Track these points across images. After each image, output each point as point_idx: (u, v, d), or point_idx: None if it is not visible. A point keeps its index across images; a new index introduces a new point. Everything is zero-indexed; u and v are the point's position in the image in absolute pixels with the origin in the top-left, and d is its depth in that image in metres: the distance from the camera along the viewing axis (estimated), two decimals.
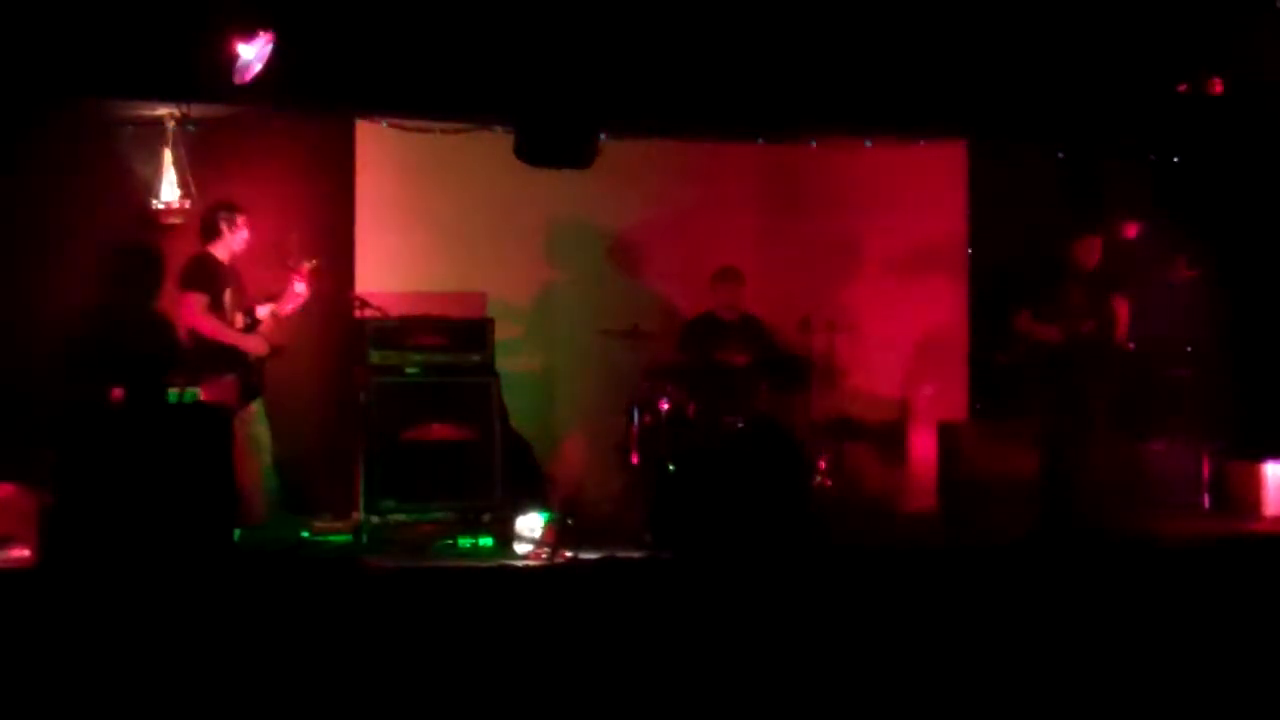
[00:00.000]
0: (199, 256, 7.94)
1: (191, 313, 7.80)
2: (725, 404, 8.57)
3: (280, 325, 8.11)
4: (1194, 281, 9.53)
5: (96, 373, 7.76)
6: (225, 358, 7.82)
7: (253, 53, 7.52)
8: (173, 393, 7.50)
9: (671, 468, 7.82)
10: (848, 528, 8.27)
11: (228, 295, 7.93)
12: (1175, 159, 9.90)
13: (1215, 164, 9.85)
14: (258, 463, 7.88)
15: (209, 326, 7.81)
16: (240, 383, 7.84)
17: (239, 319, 7.98)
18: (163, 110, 8.40)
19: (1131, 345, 8.91)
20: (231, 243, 7.97)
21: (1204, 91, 8.88)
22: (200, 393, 7.58)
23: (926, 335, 9.89)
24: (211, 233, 7.95)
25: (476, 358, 8.30)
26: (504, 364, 8.48)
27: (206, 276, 7.87)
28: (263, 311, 8.03)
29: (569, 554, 7.33)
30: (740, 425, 8.29)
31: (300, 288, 8.00)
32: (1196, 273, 9.36)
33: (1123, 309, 8.82)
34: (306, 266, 8.02)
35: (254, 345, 7.93)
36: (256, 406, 7.94)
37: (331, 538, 7.94)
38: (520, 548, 7.40)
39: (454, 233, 9.28)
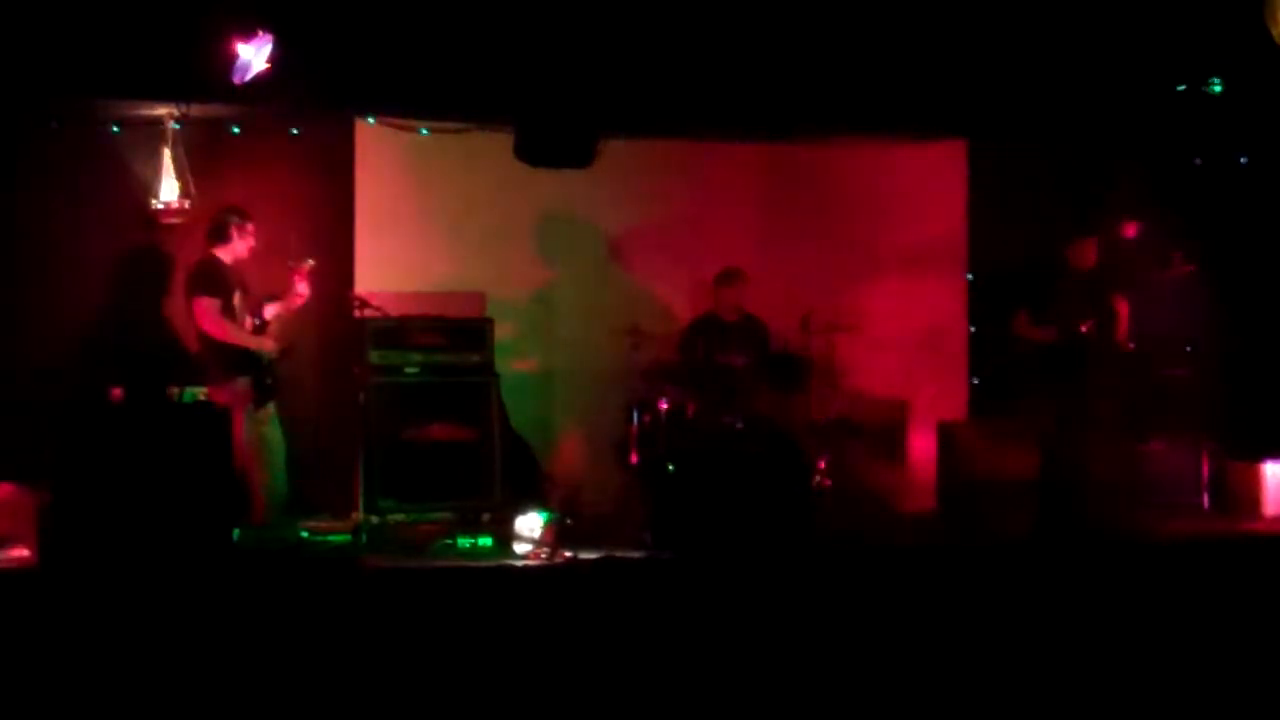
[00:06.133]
0: (206, 260, 7.95)
1: (205, 317, 7.81)
2: (725, 404, 8.57)
3: (285, 325, 8.12)
4: (1192, 280, 9.52)
5: (106, 373, 7.77)
6: (239, 360, 7.84)
7: (252, 53, 7.51)
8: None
9: (671, 468, 7.81)
10: (847, 528, 8.26)
11: (237, 298, 7.95)
12: (1175, 159, 9.89)
13: (1215, 164, 9.85)
14: (269, 464, 7.90)
15: (222, 330, 7.82)
16: (255, 384, 7.86)
17: (248, 321, 7.99)
18: (162, 110, 8.39)
19: (1131, 345, 8.90)
20: (238, 248, 7.99)
21: (1204, 91, 8.88)
22: (201, 393, 7.59)
23: (926, 335, 9.87)
24: (220, 236, 7.96)
25: (476, 358, 8.31)
26: (504, 364, 8.49)
27: (216, 280, 7.88)
28: (269, 312, 8.05)
29: (568, 554, 7.32)
30: (740, 425, 8.28)
31: (302, 288, 8.02)
32: (1192, 267, 9.34)
33: (1123, 309, 8.83)
34: (305, 266, 8.03)
35: (266, 346, 7.95)
36: (271, 408, 7.96)
37: (331, 538, 7.92)
38: (520, 548, 7.39)
39: (454, 233, 9.27)
